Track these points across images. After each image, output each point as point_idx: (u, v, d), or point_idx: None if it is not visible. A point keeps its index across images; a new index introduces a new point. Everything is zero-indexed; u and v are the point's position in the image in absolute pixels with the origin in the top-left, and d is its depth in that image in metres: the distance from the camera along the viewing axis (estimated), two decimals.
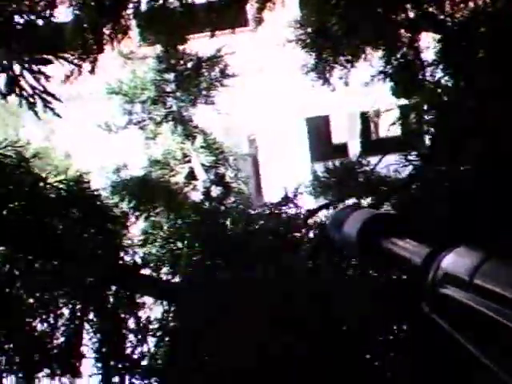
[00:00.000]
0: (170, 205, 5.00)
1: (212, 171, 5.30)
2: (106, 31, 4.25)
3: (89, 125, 6.02)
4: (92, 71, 4.13)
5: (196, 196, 5.24)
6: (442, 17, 4.30)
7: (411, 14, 4.25)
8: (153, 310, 2.70)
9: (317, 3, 4.38)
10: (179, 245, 3.57)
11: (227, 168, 5.38)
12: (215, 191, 5.17)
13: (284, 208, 4.41)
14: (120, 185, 5.23)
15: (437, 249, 0.85)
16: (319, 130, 15.79)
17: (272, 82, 12.91)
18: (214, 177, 5.22)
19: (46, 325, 2.44)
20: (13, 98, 3.68)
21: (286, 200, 4.17)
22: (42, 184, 2.34)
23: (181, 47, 5.62)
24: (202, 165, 5.31)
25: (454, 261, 0.78)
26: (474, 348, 0.69)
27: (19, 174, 2.34)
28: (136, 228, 4.80)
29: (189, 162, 5.35)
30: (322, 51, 4.48)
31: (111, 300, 2.54)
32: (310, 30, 4.43)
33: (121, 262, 2.69)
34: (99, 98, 5.89)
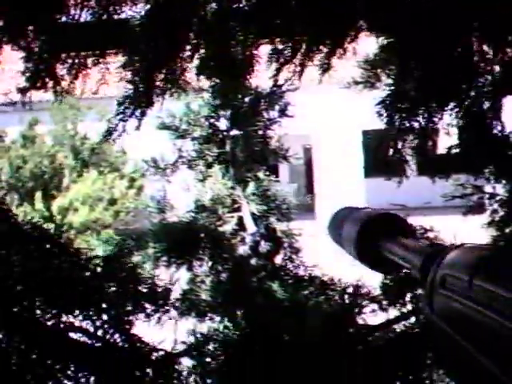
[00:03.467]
0: (215, 257, 4.66)
1: (262, 222, 4.91)
2: (158, 82, 3.88)
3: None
4: (138, 128, 3.78)
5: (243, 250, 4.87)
6: None
7: None
8: None
9: (396, 65, 3.91)
10: None
11: (279, 219, 4.98)
12: (264, 246, 4.79)
13: None
14: (162, 228, 4.91)
15: (437, 249, 0.84)
16: (376, 143, 15.14)
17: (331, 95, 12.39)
18: (264, 230, 4.83)
19: None
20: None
21: None
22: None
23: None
24: (253, 214, 4.94)
25: (454, 261, 0.76)
26: (474, 350, 0.66)
27: None
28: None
29: (238, 210, 4.98)
30: (395, 112, 4.02)
31: None
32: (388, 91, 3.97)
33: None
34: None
